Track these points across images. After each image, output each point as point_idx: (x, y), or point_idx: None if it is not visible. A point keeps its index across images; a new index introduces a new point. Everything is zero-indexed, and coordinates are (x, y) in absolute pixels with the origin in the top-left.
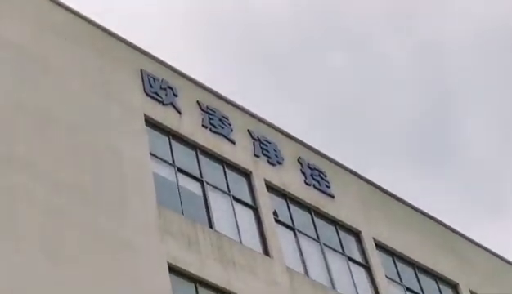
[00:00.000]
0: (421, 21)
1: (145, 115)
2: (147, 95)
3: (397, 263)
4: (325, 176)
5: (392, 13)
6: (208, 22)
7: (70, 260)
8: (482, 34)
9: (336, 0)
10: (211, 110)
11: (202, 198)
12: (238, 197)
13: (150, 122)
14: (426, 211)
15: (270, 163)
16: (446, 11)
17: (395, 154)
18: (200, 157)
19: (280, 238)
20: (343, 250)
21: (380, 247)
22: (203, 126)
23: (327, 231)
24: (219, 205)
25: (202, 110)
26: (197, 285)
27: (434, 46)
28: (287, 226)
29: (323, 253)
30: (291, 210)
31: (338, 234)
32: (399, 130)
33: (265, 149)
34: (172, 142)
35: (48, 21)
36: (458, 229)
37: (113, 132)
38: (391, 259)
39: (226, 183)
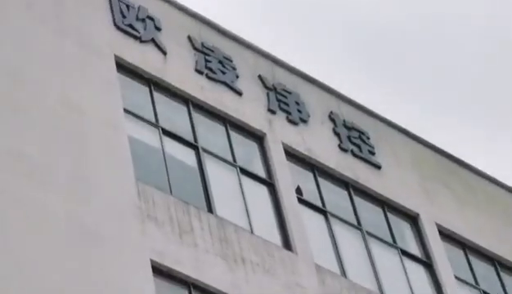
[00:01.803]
0: None
1: (115, 57)
2: (118, 28)
3: (471, 258)
4: (368, 139)
5: None
6: None
7: (14, 253)
8: None
9: None
10: (208, 49)
11: (197, 170)
12: (247, 169)
13: (123, 67)
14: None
15: (290, 122)
16: None
17: (463, 108)
18: (194, 114)
19: (307, 225)
20: (394, 240)
21: (446, 235)
22: (197, 71)
23: (372, 214)
24: (221, 180)
25: (195, 49)
26: (191, 290)
27: None
28: (316, 208)
29: (366, 245)
30: (321, 186)
31: (387, 219)
32: (467, 74)
33: (284, 101)
34: (155, 94)
35: None
36: None
37: (70, 81)
38: (462, 252)
39: (231, 150)
